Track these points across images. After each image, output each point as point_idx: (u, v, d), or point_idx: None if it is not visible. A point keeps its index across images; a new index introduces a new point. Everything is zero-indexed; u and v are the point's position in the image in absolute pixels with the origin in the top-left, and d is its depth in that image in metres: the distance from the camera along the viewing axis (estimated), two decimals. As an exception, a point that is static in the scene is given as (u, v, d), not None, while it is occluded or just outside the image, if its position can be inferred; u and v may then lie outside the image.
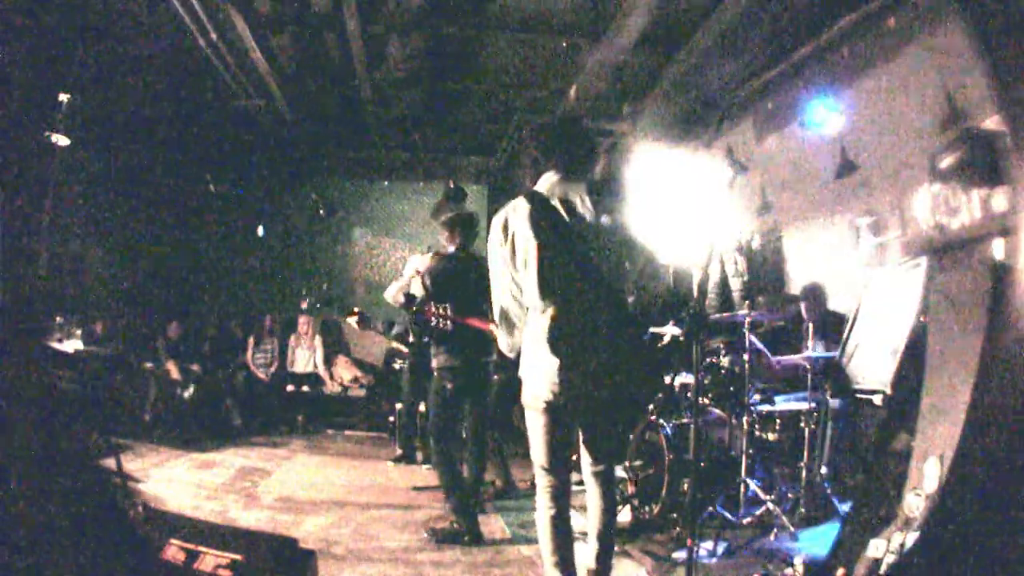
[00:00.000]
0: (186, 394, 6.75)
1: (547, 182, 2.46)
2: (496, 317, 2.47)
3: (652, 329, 4.23)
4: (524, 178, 2.57)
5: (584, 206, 2.41)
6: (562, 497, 2.38)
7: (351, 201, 8.94)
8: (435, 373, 3.69)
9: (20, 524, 2.30)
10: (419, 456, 5.83)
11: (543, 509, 2.37)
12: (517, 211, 2.37)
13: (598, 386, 2.32)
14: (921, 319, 3.51)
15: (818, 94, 4.76)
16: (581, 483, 2.62)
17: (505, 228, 2.38)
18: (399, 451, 5.92)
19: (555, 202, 2.40)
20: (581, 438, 2.47)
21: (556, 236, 2.32)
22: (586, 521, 2.60)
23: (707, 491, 3.64)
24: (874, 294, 4.34)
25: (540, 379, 2.31)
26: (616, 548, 2.88)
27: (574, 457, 2.59)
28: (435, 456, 3.69)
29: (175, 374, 6.89)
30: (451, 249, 3.87)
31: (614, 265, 2.44)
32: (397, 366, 6.91)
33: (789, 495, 3.86)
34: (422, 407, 5.97)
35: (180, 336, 7.37)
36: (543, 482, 2.39)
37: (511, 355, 2.53)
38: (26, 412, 2.65)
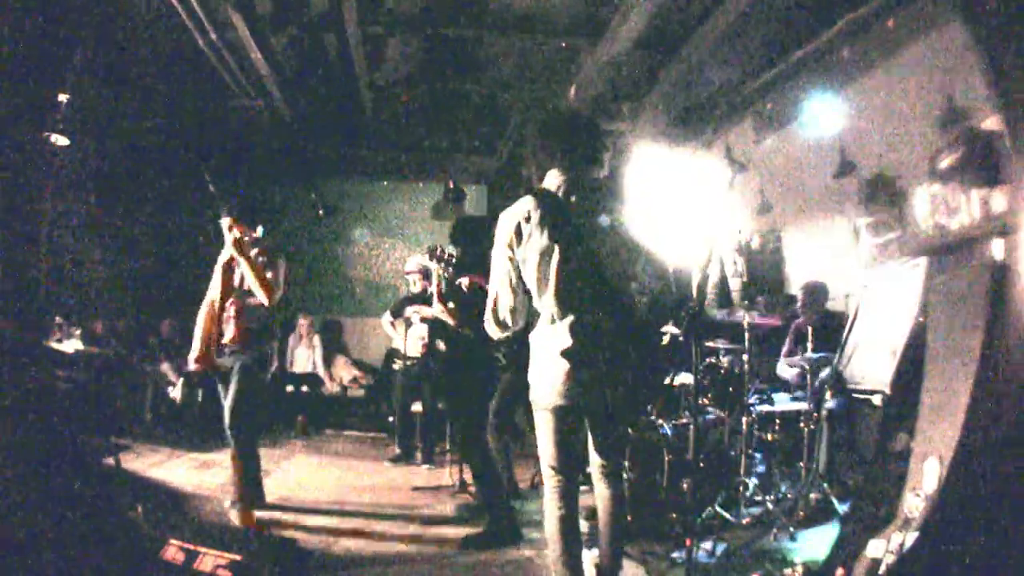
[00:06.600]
0: (175, 395, 6.73)
1: (553, 180, 2.43)
2: (490, 314, 2.43)
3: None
4: (531, 175, 2.54)
5: (587, 205, 2.39)
6: (571, 496, 2.35)
7: (351, 201, 8.93)
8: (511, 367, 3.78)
9: (20, 524, 2.30)
10: (418, 456, 5.82)
11: (552, 509, 2.34)
12: (532, 213, 2.31)
13: (607, 388, 2.30)
14: (920, 319, 3.52)
15: (818, 94, 4.76)
16: (582, 482, 2.61)
17: (519, 232, 2.32)
18: (397, 451, 5.92)
19: (561, 201, 2.37)
20: (591, 438, 2.45)
21: (568, 239, 2.30)
22: (588, 522, 2.61)
23: (707, 491, 3.63)
24: (874, 294, 4.34)
25: (550, 384, 2.30)
26: (616, 548, 2.88)
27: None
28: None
29: (170, 375, 6.88)
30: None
31: (617, 266, 2.42)
32: (396, 366, 6.91)
33: (789, 495, 3.86)
34: (417, 407, 5.99)
35: (176, 335, 7.35)
36: (552, 482, 2.35)
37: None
38: (26, 412, 2.65)
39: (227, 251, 3.78)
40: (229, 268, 3.79)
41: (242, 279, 3.77)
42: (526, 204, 2.35)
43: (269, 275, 3.74)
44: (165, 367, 6.94)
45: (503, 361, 3.69)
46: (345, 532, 3.67)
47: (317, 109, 7.11)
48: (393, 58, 5.86)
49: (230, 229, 3.77)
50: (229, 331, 3.77)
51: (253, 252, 3.76)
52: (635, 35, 4.67)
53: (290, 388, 7.60)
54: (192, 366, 3.86)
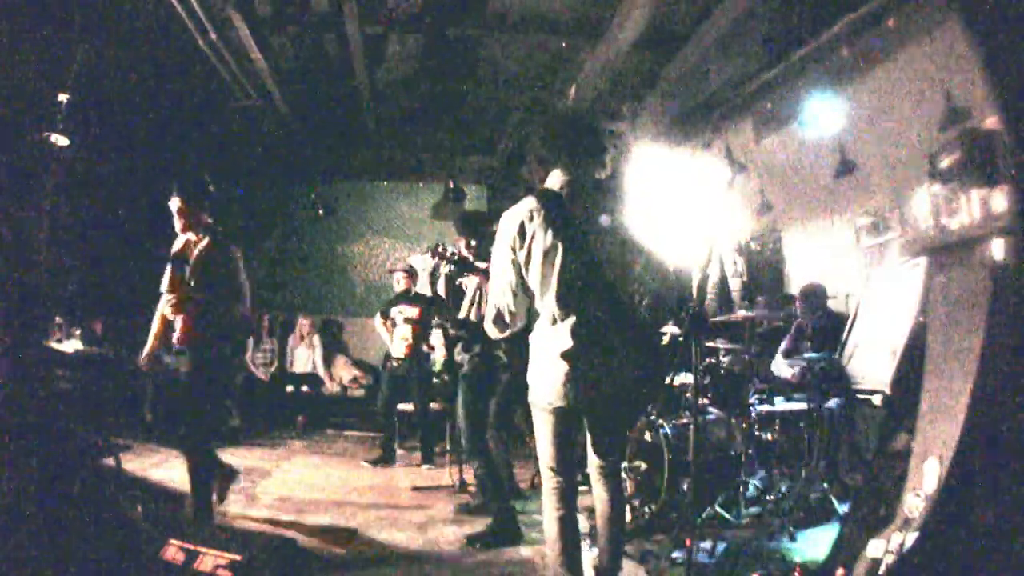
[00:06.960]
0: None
1: (556, 180, 2.42)
2: (490, 316, 2.43)
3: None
4: (533, 175, 2.55)
5: (589, 205, 2.39)
6: (570, 497, 2.34)
7: (351, 201, 8.94)
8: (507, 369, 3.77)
9: (20, 524, 2.31)
10: (418, 456, 5.82)
11: (551, 510, 2.33)
12: (535, 213, 2.31)
13: (607, 390, 2.30)
14: (920, 319, 3.52)
15: (818, 94, 4.77)
16: (581, 483, 2.61)
17: (522, 232, 2.31)
18: (379, 451, 5.85)
19: (564, 201, 2.37)
20: (590, 439, 2.45)
21: (571, 239, 2.29)
22: (588, 522, 2.60)
23: (707, 491, 3.63)
24: (874, 294, 4.35)
25: (549, 385, 2.29)
26: (616, 548, 2.87)
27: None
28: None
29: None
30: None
31: (619, 266, 2.42)
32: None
33: (788, 495, 3.86)
34: (407, 407, 5.97)
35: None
36: (551, 483, 2.35)
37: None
38: (26, 412, 2.65)
39: (179, 240, 3.51)
40: (177, 260, 3.45)
41: (190, 273, 3.41)
42: (529, 204, 2.34)
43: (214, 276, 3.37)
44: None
45: (503, 361, 3.69)
46: (345, 532, 3.67)
47: (317, 109, 7.12)
48: (393, 58, 5.87)
49: (179, 213, 3.47)
50: (177, 330, 3.47)
51: (205, 243, 3.42)
52: (635, 35, 4.68)
53: (290, 388, 7.60)
54: (140, 362, 3.64)
